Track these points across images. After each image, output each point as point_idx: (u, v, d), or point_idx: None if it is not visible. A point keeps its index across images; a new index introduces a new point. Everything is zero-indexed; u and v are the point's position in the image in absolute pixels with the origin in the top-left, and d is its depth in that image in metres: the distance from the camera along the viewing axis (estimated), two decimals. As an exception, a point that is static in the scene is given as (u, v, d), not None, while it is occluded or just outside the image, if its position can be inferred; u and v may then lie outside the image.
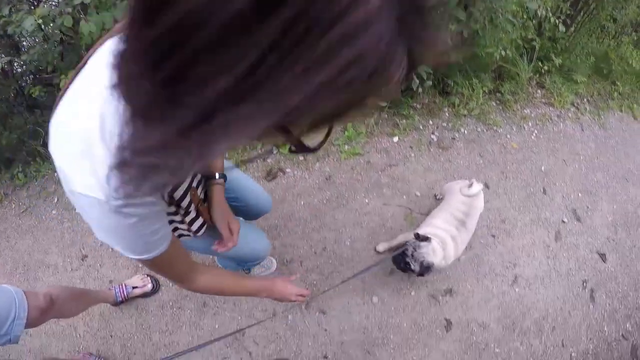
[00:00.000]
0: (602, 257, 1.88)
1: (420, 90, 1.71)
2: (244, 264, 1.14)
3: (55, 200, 1.69)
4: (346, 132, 1.84)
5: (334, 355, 1.51)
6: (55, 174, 1.66)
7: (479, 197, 1.39)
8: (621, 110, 2.20)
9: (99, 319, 1.45)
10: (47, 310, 0.98)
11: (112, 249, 1.50)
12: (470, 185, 1.37)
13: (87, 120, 0.39)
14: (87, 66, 0.43)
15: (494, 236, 1.67)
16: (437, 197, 1.64)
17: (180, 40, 0.22)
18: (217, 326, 1.49)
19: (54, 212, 1.63)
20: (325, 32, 0.21)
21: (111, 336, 1.44)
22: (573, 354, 1.68)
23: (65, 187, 0.44)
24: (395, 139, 1.86)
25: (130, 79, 0.26)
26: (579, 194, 1.89)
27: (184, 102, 0.24)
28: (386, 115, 1.91)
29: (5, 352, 1.39)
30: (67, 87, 0.44)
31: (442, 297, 1.57)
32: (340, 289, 1.43)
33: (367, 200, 1.71)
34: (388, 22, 0.23)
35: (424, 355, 1.53)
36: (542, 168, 1.87)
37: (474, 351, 1.55)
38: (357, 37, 0.22)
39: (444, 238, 1.30)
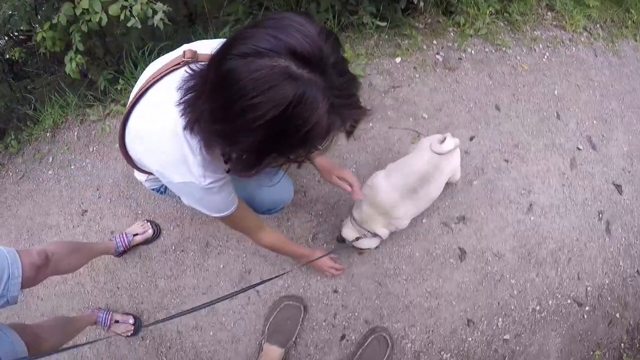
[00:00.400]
0: (618, 188, 1.85)
1: (422, 4, 1.58)
2: (264, 210, 1.20)
3: (50, 160, 1.69)
4: (344, 54, 1.70)
5: (344, 288, 1.48)
6: (48, 134, 1.75)
7: (451, 157, 1.21)
8: (636, 40, 2.17)
9: (104, 273, 1.50)
10: (42, 266, 0.99)
11: (110, 199, 1.56)
12: (442, 141, 1.18)
13: (165, 128, 0.73)
14: (159, 85, 0.78)
15: (507, 161, 1.61)
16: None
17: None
18: (222, 266, 1.48)
19: (50, 172, 1.67)
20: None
21: (118, 288, 1.48)
22: (589, 288, 1.65)
23: (162, 180, 0.81)
24: (398, 59, 1.75)
25: (198, 116, 0.64)
26: (594, 122, 1.85)
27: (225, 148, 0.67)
28: (386, 36, 1.79)
29: (18, 317, 1.44)
30: (139, 96, 0.79)
31: (454, 225, 1.51)
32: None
33: (371, 124, 1.61)
34: (329, 115, 0.56)
35: (437, 286, 1.47)
36: (555, 92, 1.81)
37: (489, 282, 1.50)
38: (314, 130, 0.56)
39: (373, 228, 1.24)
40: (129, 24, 1.28)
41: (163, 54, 0.85)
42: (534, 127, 1.75)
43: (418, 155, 1.22)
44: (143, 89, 0.77)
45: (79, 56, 1.42)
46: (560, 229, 1.65)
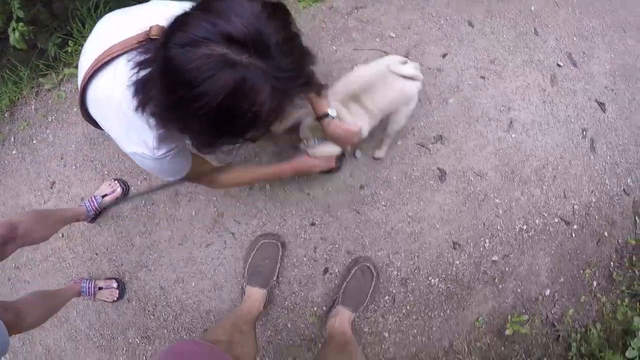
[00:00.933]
0: (601, 106, 1.94)
1: None
2: None
3: (12, 139, 1.73)
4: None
5: (321, 219, 1.55)
6: (6, 115, 1.78)
7: (409, 85, 1.25)
8: (614, -44, 2.21)
9: (81, 242, 1.57)
10: (10, 237, 1.05)
11: (75, 166, 1.62)
12: (404, 63, 1.23)
13: (122, 104, 0.77)
14: (114, 61, 0.79)
15: (483, 77, 1.67)
16: None
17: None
18: (193, 213, 1.54)
19: (14, 152, 1.72)
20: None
21: (96, 254, 1.56)
22: (575, 206, 1.74)
23: (117, 144, 0.87)
24: None
25: (148, 100, 0.69)
26: (574, 38, 1.92)
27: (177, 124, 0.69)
28: (347, -44, 1.77)
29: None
30: (94, 68, 0.81)
31: (432, 145, 1.56)
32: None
33: (334, 48, 1.64)
34: (275, 97, 0.59)
35: (419, 209, 1.52)
36: (532, 8, 1.88)
37: (472, 202, 1.56)
38: (261, 112, 0.60)
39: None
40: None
41: (111, 9, 0.90)
42: (510, 43, 1.80)
43: (366, 66, 1.25)
44: (102, 59, 0.79)
45: (20, 24, 1.45)
46: (543, 147, 1.72)
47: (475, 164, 1.62)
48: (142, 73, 0.67)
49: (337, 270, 1.49)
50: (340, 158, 1.36)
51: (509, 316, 1.60)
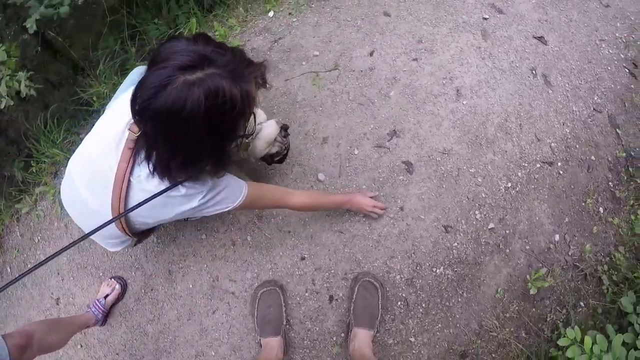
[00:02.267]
0: (541, 39, 1.89)
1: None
2: None
3: (9, 270, 1.75)
4: (216, 32, 1.69)
5: (309, 252, 1.52)
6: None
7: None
8: None
9: (100, 347, 1.56)
10: (27, 346, 1.08)
11: (72, 277, 1.63)
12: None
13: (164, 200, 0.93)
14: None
15: (415, 60, 1.64)
16: None
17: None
18: (191, 286, 1.53)
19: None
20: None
21: (117, 354, 1.54)
22: (552, 144, 1.67)
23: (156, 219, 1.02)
24: (271, 14, 1.77)
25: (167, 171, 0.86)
26: (490, -12, 1.85)
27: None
28: (252, -3, 1.77)
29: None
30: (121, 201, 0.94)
31: (389, 143, 1.52)
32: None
33: (267, 85, 1.57)
34: (236, 85, 0.75)
35: (398, 208, 1.46)
36: (440, -24, 1.81)
37: (448, 181, 1.51)
38: (237, 103, 0.77)
39: None
40: (2, 106, 1.31)
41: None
42: (431, 17, 1.77)
43: None
44: (121, 189, 0.92)
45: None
46: (498, 101, 1.67)
47: (438, 144, 1.56)
48: (152, 157, 0.83)
49: (341, 295, 1.43)
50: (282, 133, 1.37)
51: (528, 276, 1.52)
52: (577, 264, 1.62)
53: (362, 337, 1.32)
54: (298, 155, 1.57)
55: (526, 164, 1.62)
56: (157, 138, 0.78)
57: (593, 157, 1.73)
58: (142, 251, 1.59)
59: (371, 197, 1.46)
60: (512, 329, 1.51)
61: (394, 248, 1.46)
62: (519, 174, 1.61)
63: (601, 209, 1.69)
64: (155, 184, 0.88)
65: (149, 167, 0.84)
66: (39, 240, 1.72)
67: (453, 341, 1.46)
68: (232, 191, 1.00)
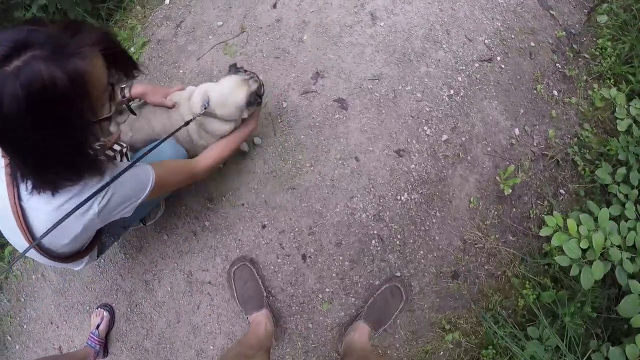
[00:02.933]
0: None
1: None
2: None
3: (9, 337, 1.68)
4: (119, 37, 1.59)
5: (267, 218, 1.42)
6: None
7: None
8: None
9: None
10: None
11: (64, 321, 1.57)
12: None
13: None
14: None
15: None
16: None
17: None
18: (169, 288, 1.46)
19: (16, 347, 1.68)
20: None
21: None
22: (486, 41, 1.59)
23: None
24: (167, 1, 1.64)
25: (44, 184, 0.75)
26: None
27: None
28: (146, -9, 1.68)
29: None
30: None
31: (315, 86, 1.48)
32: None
33: (182, 71, 1.53)
34: (59, 64, 0.61)
35: (343, 146, 1.47)
36: None
37: (387, 106, 1.43)
38: (65, 86, 0.62)
39: None
40: None
41: None
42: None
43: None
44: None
45: None
46: (417, 13, 1.58)
47: (365, 72, 1.46)
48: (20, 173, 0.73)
49: (312, 250, 1.33)
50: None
51: (497, 177, 1.42)
52: (545, 152, 1.52)
53: (363, 332, 1.23)
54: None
55: (464, 67, 1.52)
56: (7, 150, 0.67)
57: (532, 44, 1.63)
58: (116, 271, 1.51)
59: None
60: (497, 236, 1.41)
61: (351, 188, 1.36)
62: (459, 78, 1.51)
63: (555, 92, 1.59)
64: (46, 201, 0.76)
65: (25, 185, 0.73)
66: (25, 299, 1.64)
67: (440, 264, 1.36)
68: (138, 179, 0.88)
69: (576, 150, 1.53)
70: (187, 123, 1.04)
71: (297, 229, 1.36)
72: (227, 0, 1.62)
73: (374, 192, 1.37)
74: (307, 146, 1.39)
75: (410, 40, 1.52)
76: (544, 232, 1.24)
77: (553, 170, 1.52)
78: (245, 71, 1.15)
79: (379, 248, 1.34)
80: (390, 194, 1.37)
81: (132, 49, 1.66)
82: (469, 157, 1.44)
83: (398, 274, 1.35)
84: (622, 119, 1.36)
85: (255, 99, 1.12)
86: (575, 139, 1.56)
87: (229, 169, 1.43)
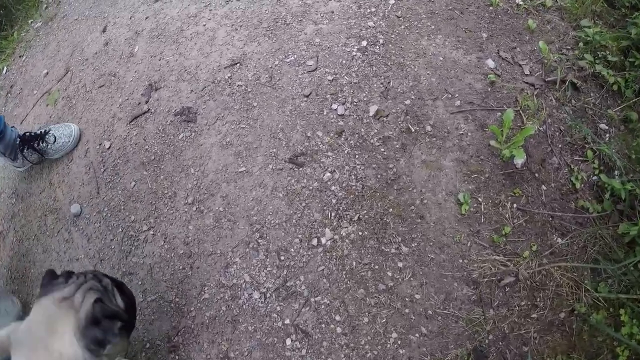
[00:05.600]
0: None
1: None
2: None
3: None
4: None
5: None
6: None
7: None
8: None
9: None
10: None
11: None
12: None
13: None
14: None
15: (157, 1, 1.03)
16: None
17: None
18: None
19: None
20: None
21: None
22: None
23: None
24: (4, 70, 1.28)
25: None
26: None
27: None
28: None
29: None
30: None
31: (147, 104, 0.88)
32: None
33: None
34: None
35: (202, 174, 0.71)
36: None
37: (259, 97, 0.82)
38: None
39: None
40: None
41: None
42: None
43: None
44: None
45: None
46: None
47: (219, 60, 0.87)
48: None
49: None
50: None
51: (492, 142, 0.75)
52: (548, 77, 0.85)
53: None
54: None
55: (374, 9, 0.94)
56: None
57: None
58: None
59: None
60: (533, 248, 0.68)
61: (221, 251, 0.69)
62: (370, 23, 0.92)
63: (518, 0, 0.98)
64: None
65: None
66: None
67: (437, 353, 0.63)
68: None
69: (591, 58, 0.85)
70: None
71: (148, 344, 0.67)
72: (57, 45, 1.16)
73: (266, 250, 0.69)
74: (142, 197, 0.78)
75: (283, 1, 0.99)
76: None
77: (574, 101, 0.83)
78: (71, 275, 0.57)
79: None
80: (299, 253, 0.69)
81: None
82: (427, 128, 0.78)
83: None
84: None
85: (108, 328, 0.53)
86: (581, 44, 0.89)
87: (36, 258, 0.82)
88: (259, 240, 0.72)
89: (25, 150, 0.87)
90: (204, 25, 0.98)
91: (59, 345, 0.49)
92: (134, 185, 0.79)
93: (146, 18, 1.05)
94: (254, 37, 0.92)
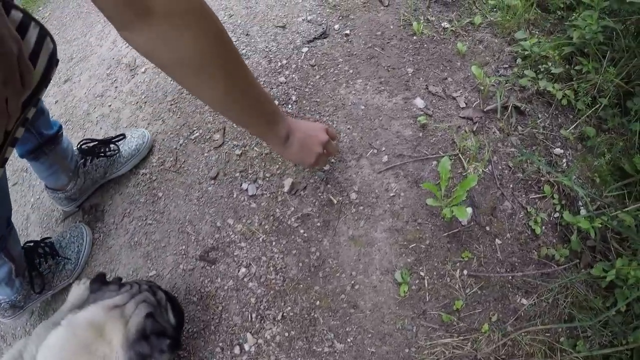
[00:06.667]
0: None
1: None
2: None
3: None
4: None
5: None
6: None
7: None
8: None
9: None
10: None
11: None
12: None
13: None
14: None
15: (67, 80, 0.94)
16: None
17: None
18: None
19: None
20: None
21: None
22: (309, 17, 0.93)
23: None
24: None
25: None
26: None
27: None
28: None
29: None
30: None
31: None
32: None
33: None
34: None
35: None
36: None
37: None
38: None
39: None
40: None
41: None
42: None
43: None
44: None
45: None
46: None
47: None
48: None
49: None
50: None
51: (427, 202, 0.63)
52: (487, 105, 0.73)
53: None
54: None
55: (285, 61, 0.85)
56: None
57: None
58: None
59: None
60: (493, 318, 0.55)
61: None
62: (281, 79, 0.82)
63: (445, 24, 0.86)
64: None
65: None
66: None
67: None
68: None
69: (532, 74, 0.74)
70: None
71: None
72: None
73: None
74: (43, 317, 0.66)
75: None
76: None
77: (520, 128, 0.71)
78: (124, 284, 0.53)
79: None
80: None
81: None
82: (352, 195, 0.66)
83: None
84: None
85: (156, 345, 0.46)
86: (519, 59, 0.78)
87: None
88: (179, 353, 0.60)
89: (89, 163, 0.71)
90: (110, 105, 0.88)
91: (104, 351, 0.47)
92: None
93: (56, 102, 0.97)
94: (159, 114, 0.82)
